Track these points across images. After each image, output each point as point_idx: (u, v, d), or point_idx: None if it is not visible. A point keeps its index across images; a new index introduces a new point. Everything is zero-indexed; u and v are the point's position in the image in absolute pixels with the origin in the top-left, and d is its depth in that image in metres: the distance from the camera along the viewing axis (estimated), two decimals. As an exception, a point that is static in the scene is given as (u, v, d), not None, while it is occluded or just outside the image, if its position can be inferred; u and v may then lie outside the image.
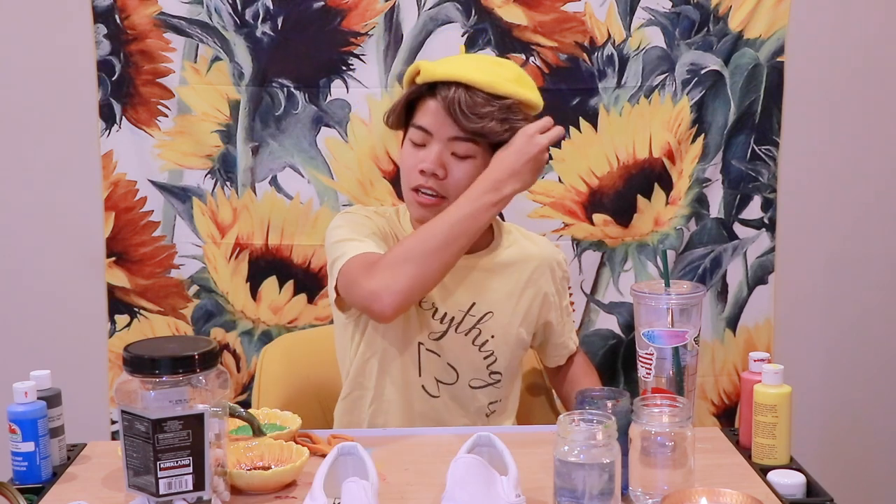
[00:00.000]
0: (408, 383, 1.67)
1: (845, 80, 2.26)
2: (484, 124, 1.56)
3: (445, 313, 1.67)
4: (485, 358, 1.69)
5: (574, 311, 2.24)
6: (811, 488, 1.31)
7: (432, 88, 1.59)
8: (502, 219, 1.80)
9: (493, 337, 1.69)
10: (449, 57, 1.69)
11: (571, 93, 2.19)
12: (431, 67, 1.60)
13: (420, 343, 1.67)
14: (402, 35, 2.16)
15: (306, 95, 2.17)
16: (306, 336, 2.10)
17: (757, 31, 2.19)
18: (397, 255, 1.53)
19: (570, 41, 2.18)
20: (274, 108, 2.17)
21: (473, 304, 1.68)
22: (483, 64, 1.66)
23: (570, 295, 2.25)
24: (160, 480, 1.15)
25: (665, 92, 2.20)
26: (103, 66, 2.16)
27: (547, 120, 1.59)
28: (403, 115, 1.65)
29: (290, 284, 2.23)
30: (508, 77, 1.61)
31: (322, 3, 2.15)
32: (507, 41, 2.17)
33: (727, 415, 2.32)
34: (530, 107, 1.62)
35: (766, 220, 2.27)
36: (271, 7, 2.14)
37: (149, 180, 2.20)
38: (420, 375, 1.67)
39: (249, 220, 2.21)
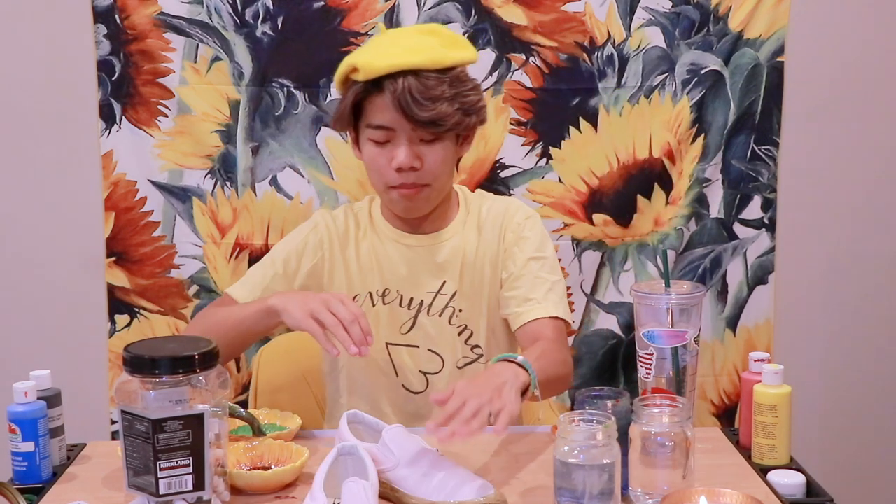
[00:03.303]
0: (383, 388, 1.65)
1: (845, 80, 2.25)
2: (437, 108, 1.49)
3: (412, 298, 1.64)
4: (459, 333, 1.65)
5: (574, 310, 2.24)
6: (811, 488, 1.31)
7: (378, 84, 1.51)
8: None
9: (461, 311, 1.64)
10: (377, 42, 1.61)
11: (571, 93, 2.19)
12: (370, 61, 1.51)
13: (388, 343, 1.64)
14: (402, 35, 2.15)
15: (306, 95, 2.17)
16: (305, 336, 2.09)
17: (757, 31, 2.19)
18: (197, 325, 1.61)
19: (570, 41, 2.17)
20: (274, 108, 2.17)
21: (444, 282, 1.64)
22: (415, 40, 1.57)
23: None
24: (160, 480, 1.15)
25: (665, 92, 2.20)
26: (103, 66, 2.16)
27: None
28: (352, 118, 1.58)
29: (290, 284, 2.23)
30: (442, 43, 1.55)
31: (322, 3, 2.15)
32: (507, 41, 2.17)
33: (727, 415, 2.31)
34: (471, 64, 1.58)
35: (766, 220, 2.27)
36: (271, 7, 2.14)
37: (149, 180, 2.20)
38: (398, 375, 1.65)
39: (249, 220, 2.21)
